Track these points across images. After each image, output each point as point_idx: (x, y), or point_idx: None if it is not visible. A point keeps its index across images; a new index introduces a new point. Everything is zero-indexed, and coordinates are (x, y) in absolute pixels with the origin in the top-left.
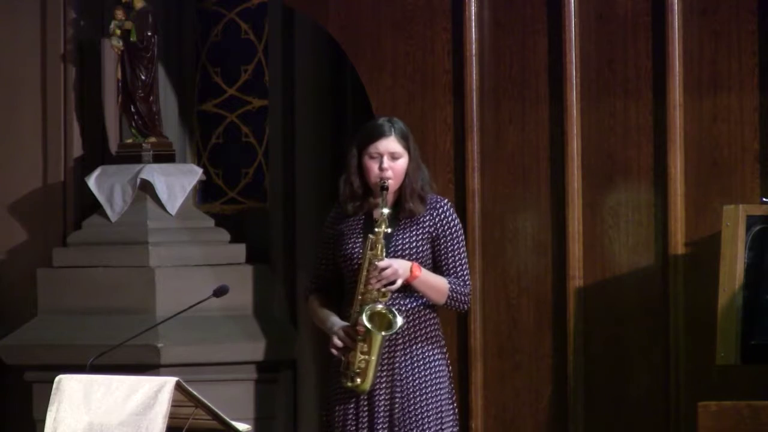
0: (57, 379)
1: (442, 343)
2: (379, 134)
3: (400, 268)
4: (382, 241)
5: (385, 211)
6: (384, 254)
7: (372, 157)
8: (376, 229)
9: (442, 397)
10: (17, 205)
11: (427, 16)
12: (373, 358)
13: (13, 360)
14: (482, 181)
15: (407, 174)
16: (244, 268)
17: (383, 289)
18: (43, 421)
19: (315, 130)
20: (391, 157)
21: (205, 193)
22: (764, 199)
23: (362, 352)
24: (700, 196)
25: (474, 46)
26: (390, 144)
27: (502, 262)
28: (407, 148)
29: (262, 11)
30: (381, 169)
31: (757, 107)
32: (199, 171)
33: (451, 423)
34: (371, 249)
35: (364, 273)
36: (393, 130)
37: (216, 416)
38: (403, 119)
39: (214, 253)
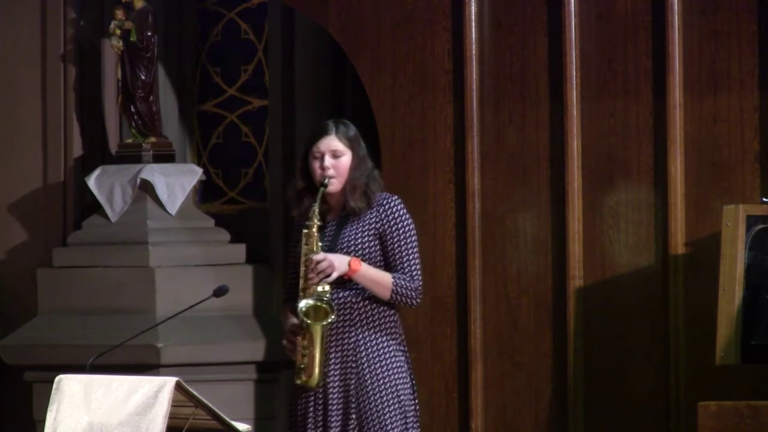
0: (57, 379)
1: (397, 333)
2: (321, 133)
3: (335, 260)
4: (315, 234)
5: (315, 205)
6: (319, 247)
7: (315, 157)
8: (307, 223)
9: (404, 395)
10: (17, 205)
11: (427, 16)
12: (316, 352)
13: (13, 360)
14: (482, 181)
15: (349, 171)
16: (244, 268)
17: (321, 282)
18: (43, 421)
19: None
20: (332, 155)
21: (205, 193)
22: (764, 199)
23: (303, 347)
24: (700, 196)
25: (474, 46)
26: (331, 142)
27: (502, 262)
28: (350, 147)
29: (262, 11)
30: (322, 167)
31: (757, 107)
32: (199, 171)
33: (413, 418)
34: (306, 243)
35: (303, 268)
36: (336, 129)
37: (216, 416)
38: (403, 119)
39: (214, 253)
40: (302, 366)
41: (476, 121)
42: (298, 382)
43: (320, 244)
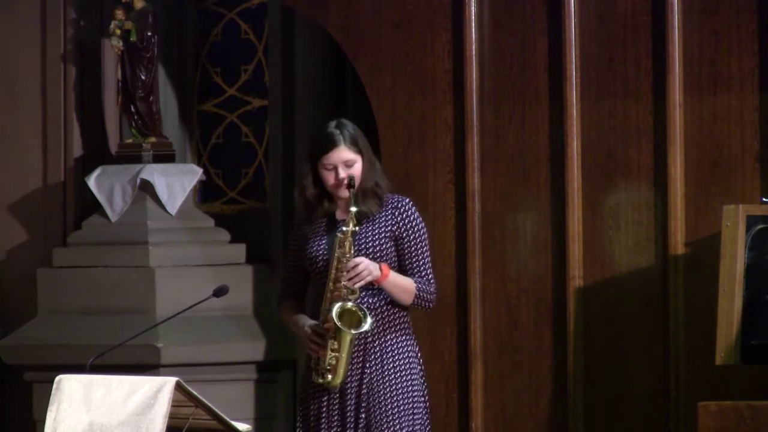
0: (57, 379)
1: (412, 334)
2: (330, 145)
3: (370, 265)
4: (350, 239)
5: (353, 209)
6: (353, 252)
7: (327, 169)
8: (344, 228)
9: (414, 394)
10: (17, 205)
11: (427, 16)
12: (344, 354)
13: (13, 360)
14: (482, 181)
15: (361, 175)
16: (244, 268)
17: (353, 287)
18: (43, 421)
19: (315, 130)
20: (345, 165)
21: (205, 193)
22: (764, 199)
23: (332, 350)
24: (700, 196)
25: (474, 46)
26: (342, 153)
27: (502, 262)
28: (359, 151)
29: (262, 11)
30: (337, 179)
31: (757, 107)
32: (199, 171)
33: (421, 418)
34: (340, 247)
35: (333, 271)
36: (342, 138)
37: (216, 416)
38: (403, 119)
39: (214, 253)
40: (328, 366)
41: (476, 121)
42: (320, 381)
43: (354, 249)
